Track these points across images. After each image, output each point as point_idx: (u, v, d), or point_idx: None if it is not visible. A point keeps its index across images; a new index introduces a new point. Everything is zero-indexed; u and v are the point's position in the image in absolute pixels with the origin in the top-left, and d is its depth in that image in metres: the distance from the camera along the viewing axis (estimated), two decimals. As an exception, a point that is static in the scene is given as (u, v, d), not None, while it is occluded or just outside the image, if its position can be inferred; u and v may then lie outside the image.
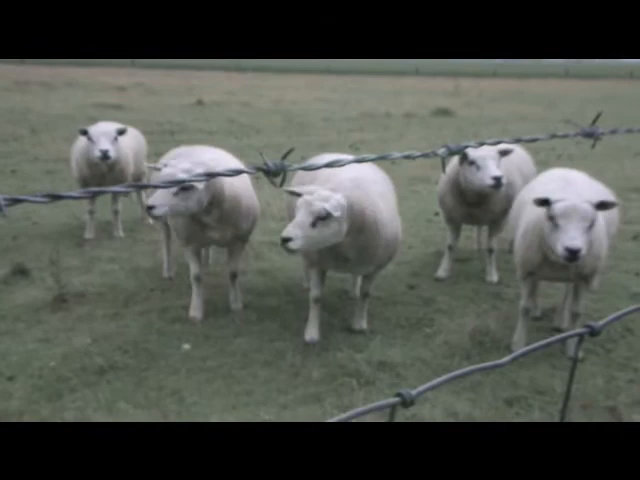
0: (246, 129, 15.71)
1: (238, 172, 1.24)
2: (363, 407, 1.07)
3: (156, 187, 1.21)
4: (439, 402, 3.87)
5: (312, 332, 4.67)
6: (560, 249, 3.87)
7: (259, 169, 1.19)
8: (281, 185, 1.17)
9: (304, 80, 26.23)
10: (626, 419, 3.71)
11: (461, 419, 3.73)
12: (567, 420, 3.68)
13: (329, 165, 1.38)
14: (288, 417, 3.69)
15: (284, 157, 1.24)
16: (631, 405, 3.88)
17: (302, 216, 4.00)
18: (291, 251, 3.99)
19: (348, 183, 4.36)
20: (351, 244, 4.31)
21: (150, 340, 4.61)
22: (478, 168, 5.30)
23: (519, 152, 6.12)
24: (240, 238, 5.01)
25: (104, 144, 6.31)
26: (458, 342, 4.64)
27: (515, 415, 3.79)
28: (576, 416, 3.76)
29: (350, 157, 1.50)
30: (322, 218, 3.99)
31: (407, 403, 1.08)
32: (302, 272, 5.71)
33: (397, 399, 1.09)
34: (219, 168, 3.76)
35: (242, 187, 4.82)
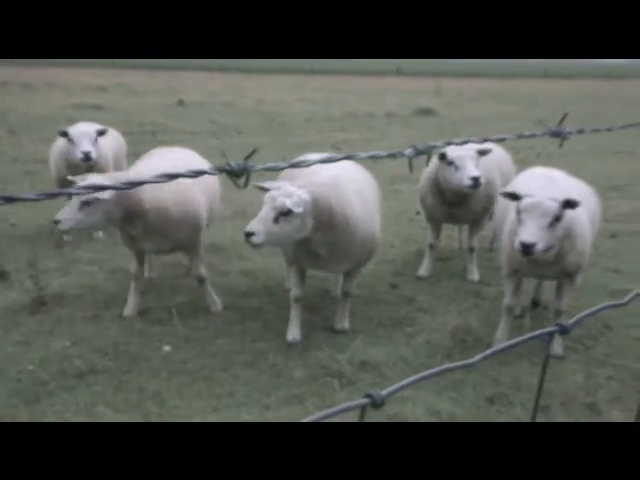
0: (228, 129, 15.66)
1: (200, 173, 1.23)
2: (334, 408, 1.06)
3: (113, 188, 1.18)
4: (420, 401, 3.87)
5: (294, 332, 4.66)
6: (516, 243, 3.92)
7: (222, 170, 1.18)
8: (245, 186, 1.16)
9: (287, 80, 26.21)
10: (605, 415, 3.74)
11: (443, 418, 3.74)
12: (547, 417, 3.71)
13: (294, 165, 1.37)
14: (270, 418, 3.67)
15: (247, 158, 1.22)
16: (610, 401, 3.91)
17: (265, 211, 4.06)
18: (254, 245, 4.03)
19: (321, 180, 4.36)
20: (322, 240, 4.32)
21: (130, 342, 4.57)
22: (457, 168, 5.32)
23: (498, 151, 6.15)
24: (182, 248, 4.95)
25: (86, 145, 6.24)
26: (440, 341, 4.65)
27: (496, 413, 3.80)
28: (556, 413, 3.78)
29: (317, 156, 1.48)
30: (284, 214, 4.02)
31: (377, 404, 1.07)
32: (284, 273, 5.69)
33: (367, 400, 1.08)
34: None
35: (172, 197, 4.59)
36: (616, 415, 3.74)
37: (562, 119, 1.77)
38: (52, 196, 1.05)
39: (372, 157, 1.40)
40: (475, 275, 6.05)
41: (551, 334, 1.25)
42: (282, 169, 1.37)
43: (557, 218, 3.96)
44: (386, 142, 14.26)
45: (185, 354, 4.43)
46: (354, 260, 4.61)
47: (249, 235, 3.96)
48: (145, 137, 13.15)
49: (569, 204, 3.98)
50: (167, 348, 4.52)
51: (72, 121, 7.34)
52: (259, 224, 4.00)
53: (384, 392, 1.07)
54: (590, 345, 4.69)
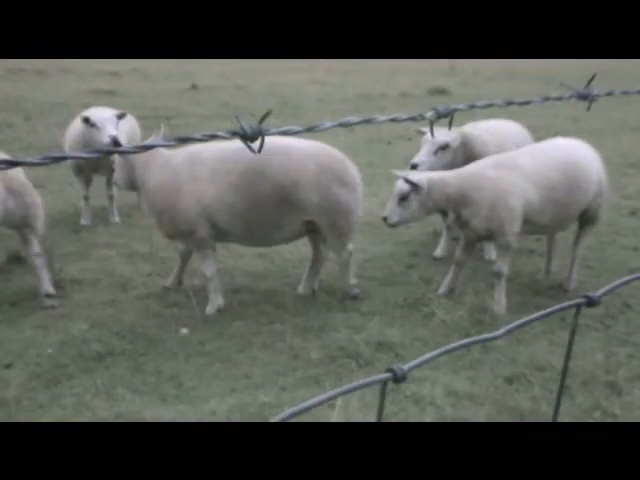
0: (241, 112, 15.59)
1: (213, 137, 1.20)
2: (355, 383, 1.04)
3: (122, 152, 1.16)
4: (439, 381, 3.86)
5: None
6: None
7: (235, 133, 1.15)
8: (259, 151, 1.12)
9: (299, 63, 26.03)
10: (626, 394, 3.70)
11: (461, 397, 3.72)
12: (568, 397, 3.68)
13: (309, 129, 1.34)
14: (287, 399, 3.67)
15: (261, 121, 1.19)
16: (631, 380, 3.87)
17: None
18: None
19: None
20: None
21: (148, 325, 4.60)
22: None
23: (517, 130, 6.08)
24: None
25: (111, 130, 6.10)
26: (457, 321, 4.63)
27: (515, 392, 3.78)
28: (576, 392, 3.75)
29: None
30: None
31: (399, 378, 1.05)
32: (299, 254, 5.68)
33: (389, 375, 1.06)
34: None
35: None
36: (637, 394, 3.70)
37: (590, 80, 1.72)
38: (56, 160, 1.04)
39: (393, 120, 1.37)
40: (492, 254, 5.99)
41: (579, 306, 1.22)
42: (296, 133, 1.34)
43: (404, 197, 4.75)
44: (398, 123, 14.12)
45: (202, 336, 4.45)
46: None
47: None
48: (159, 121, 13.09)
49: (411, 183, 4.73)
50: (184, 330, 4.53)
51: (87, 107, 7.30)
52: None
53: (406, 366, 1.05)
54: (610, 324, 4.64)
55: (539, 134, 9.46)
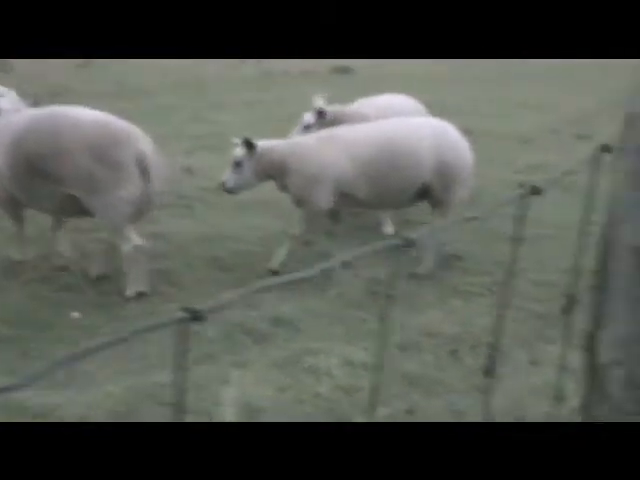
0: (135, 91, 15.10)
1: None
2: (152, 322, 1.04)
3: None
4: (334, 352, 3.93)
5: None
6: None
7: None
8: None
9: (198, 39, 25.55)
10: (509, 354, 3.91)
11: (356, 366, 3.81)
12: (456, 359, 3.85)
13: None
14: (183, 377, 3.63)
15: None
16: (513, 341, 4.08)
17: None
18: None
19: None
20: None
21: (36, 310, 4.42)
22: None
23: (410, 105, 6.21)
24: None
25: None
26: (353, 293, 4.73)
27: (407, 358, 3.91)
28: (465, 355, 3.93)
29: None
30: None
31: (197, 317, 1.06)
32: (196, 235, 5.62)
33: (185, 314, 1.07)
34: None
35: None
36: (519, 353, 3.92)
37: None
38: None
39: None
40: (389, 228, 6.12)
41: (398, 247, 1.26)
42: None
43: (238, 163, 4.92)
44: (301, 102, 14.14)
45: (94, 320, 4.32)
46: None
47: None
48: (45, 99, 12.50)
49: (248, 145, 4.89)
50: (76, 314, 4.39)
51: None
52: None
53: (204, 307, 1.07)
54: (496, 291, 4.87)
55: (435, 110, 9.71)
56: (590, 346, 1.26)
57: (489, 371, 1.72)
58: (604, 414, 1.24)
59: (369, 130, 5.08)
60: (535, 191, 1.32)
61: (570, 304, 1.35)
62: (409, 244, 1.16)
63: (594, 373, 1.26)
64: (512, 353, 3.92)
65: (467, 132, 5.70)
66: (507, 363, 3.83)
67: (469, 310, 4.47)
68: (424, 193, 5.09)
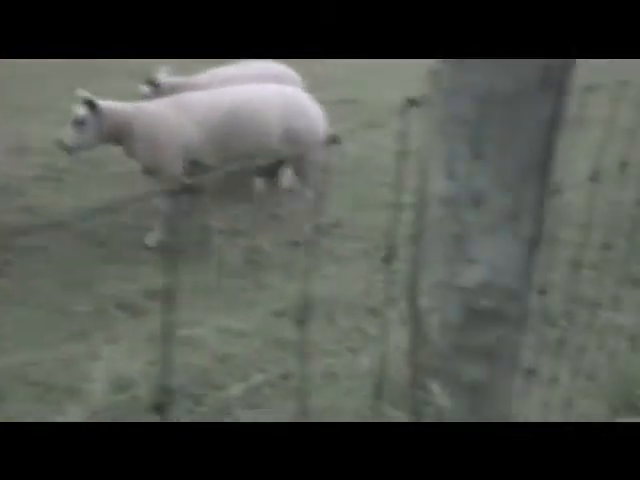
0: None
1: None
2: None
3: None
4: (211, 323, 3.91)
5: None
6: None
7: None
8: None
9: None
10: (381, 315, 4.03)
11: (233, 335, 3.81)
12: (331, 320, 3.93)
13: None
14: (51, 356, 3.51)
15: None
16: (386, 303, 4.21)
17: None
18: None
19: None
20: None
21: None
22: None
23: (282, 74, 6.12)
24: None
25: None
26: (234, 263, 4.70)
27: (283, 325, 3.95)
28: (340, 317, 4.02)
29: None
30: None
31: None
32: (68, 208, 5.38)
33: None
34: None
35: None
36: (390, 314, 4.04)
37: None
38: None
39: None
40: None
41: (175, 192, 1.23)
42: None
43: (81, 122, 4.66)
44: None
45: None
46: None
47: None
48: None
49: (91, 104, 4.66)
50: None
51: None
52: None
53: None
54: (373, 255, 4.98)
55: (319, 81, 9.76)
56: (411, 294, 1.31)
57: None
58: (426, 359, 1.30)
59: (215, 95, 4.97)
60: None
61: (390, 254, 1.40)
62: (187, 189, 1.13)
63: (416, 320, 1.31)
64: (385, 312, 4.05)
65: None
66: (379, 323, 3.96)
67: (345, 274, 4.56)
68: (281, 161, 5.10)
